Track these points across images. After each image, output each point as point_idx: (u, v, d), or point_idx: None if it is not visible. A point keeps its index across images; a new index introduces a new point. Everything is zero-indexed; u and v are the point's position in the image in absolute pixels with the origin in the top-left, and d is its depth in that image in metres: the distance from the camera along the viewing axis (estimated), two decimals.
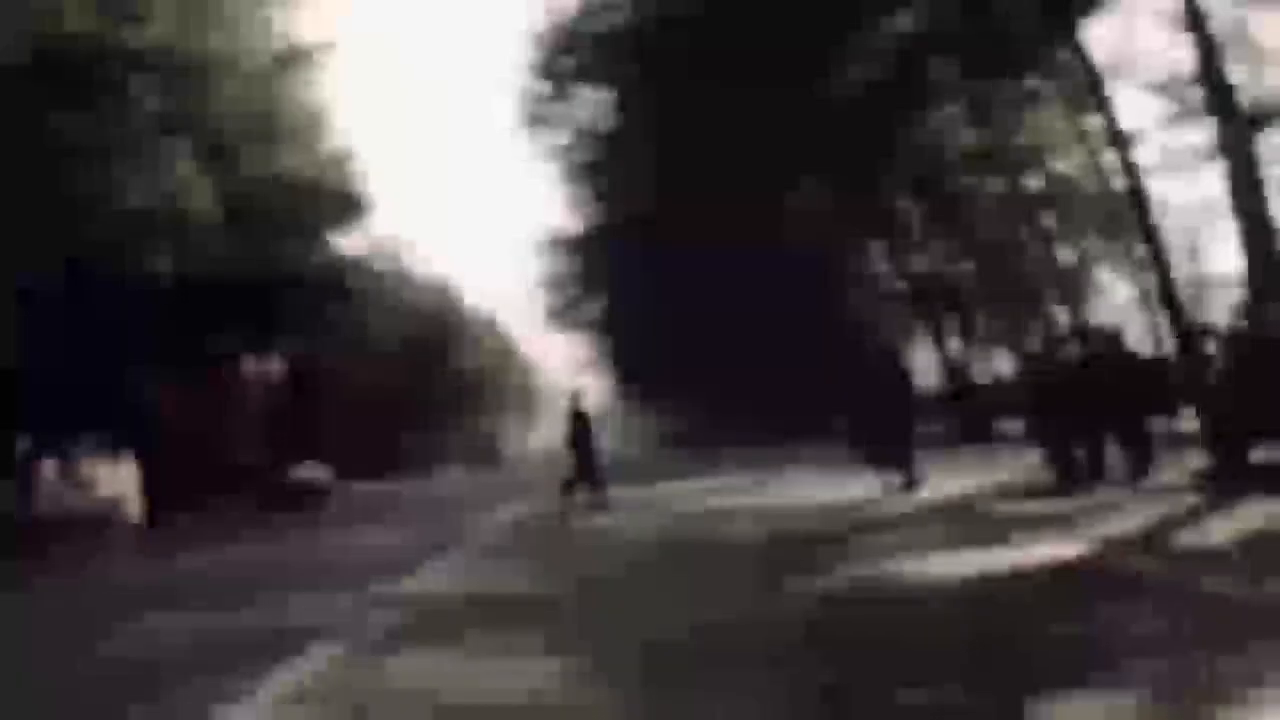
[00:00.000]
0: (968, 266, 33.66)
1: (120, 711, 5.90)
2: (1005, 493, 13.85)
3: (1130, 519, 9.71)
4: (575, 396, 20.32)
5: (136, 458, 35.35)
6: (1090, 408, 13.63)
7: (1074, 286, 32.64)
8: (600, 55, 37.45)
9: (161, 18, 24.72)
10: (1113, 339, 14.67)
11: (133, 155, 24.18)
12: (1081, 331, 20.82)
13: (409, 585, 10.22)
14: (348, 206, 39.98)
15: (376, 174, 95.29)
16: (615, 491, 20.66)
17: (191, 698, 5.93)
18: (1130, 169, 22.17)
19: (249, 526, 26.93)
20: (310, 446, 45.74)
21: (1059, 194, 32.36)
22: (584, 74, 38.23)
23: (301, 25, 39.13)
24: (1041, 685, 4.38)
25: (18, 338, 24.05)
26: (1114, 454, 13.83)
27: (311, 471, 39.87)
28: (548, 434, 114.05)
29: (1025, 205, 30.88)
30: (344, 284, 41.07)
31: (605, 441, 36.75)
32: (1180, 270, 27.10)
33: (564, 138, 44.66)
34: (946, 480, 16.26)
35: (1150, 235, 22.60)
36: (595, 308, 63.66)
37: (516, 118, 42.77)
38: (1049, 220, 33.70)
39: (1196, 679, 4.24)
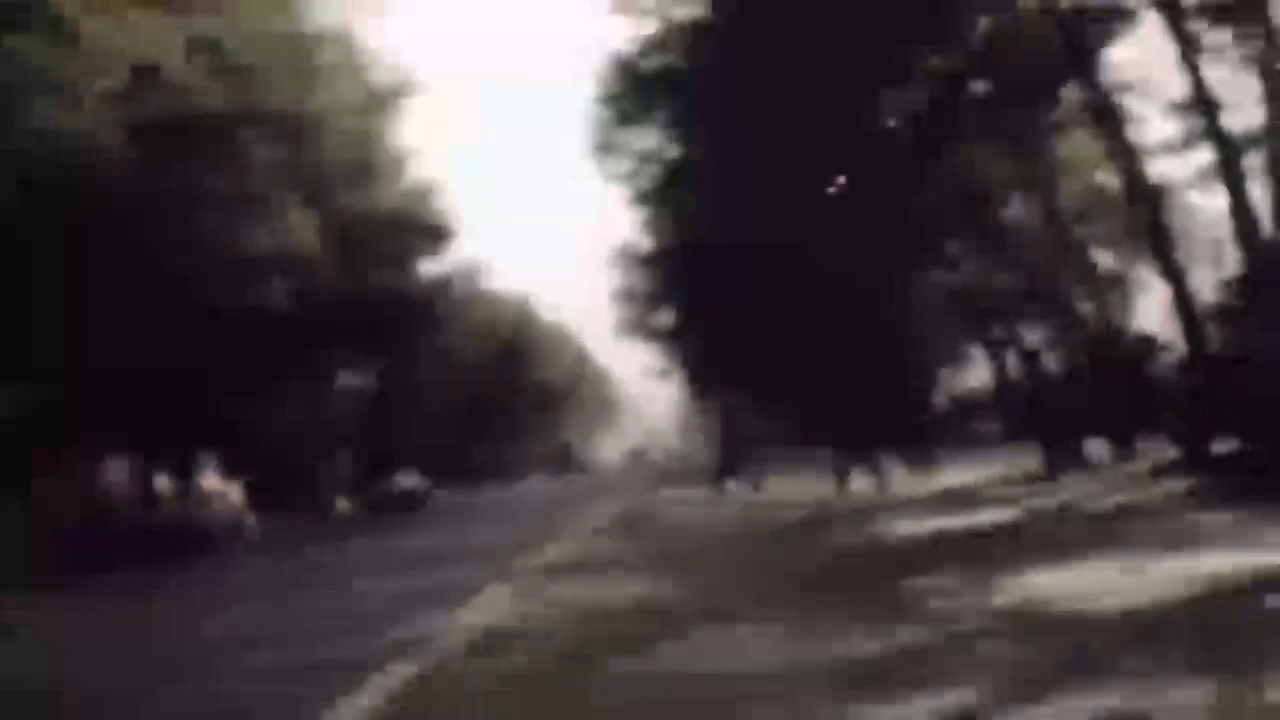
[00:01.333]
0: (1010, 281, 35.98)
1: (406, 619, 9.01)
2: (1006, 480, 16.56)
3: (1063, 496, 12.51)
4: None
5: (253, 470, 38.86)
6: (1072, 408, 16.30)
7: (1111, 293, 34.78)
8: (660, 91, 40.05)
9: (278, 82, 28.15)
10: (1112, 342, 17.27)
11: (254, 206, 27.57)
12: (1096, 338, 23.43)
13: (536, 558, 13.18)
14: (433, 235, 43.36)
15: (456, 190, 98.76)
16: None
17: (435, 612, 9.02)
18: (1136, 189, 24.17)
19: (368, 526, 30.25)
20: (403, 456, 49.32)
21: (1095, 206, 34.52)
22: (646, 108, 40.92)
23: (386, 56, 42.33)
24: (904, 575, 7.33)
25: (146, 368, 27.33)
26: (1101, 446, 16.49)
27: (410, 479, 43.64)
28: (624, 441, 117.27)
29: (1062, 220, 33.12)
30: (432, 306, 44.48)
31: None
32: (1206, 279, 29.01)
33: (630, 163, 47.26)
34: (967, 472, 19.02)
35: (1162, 250, 24.03)
36: (666, 319, 65.96)
37: (586, 144, 45.65)
38: (1090, 229, 35.86)
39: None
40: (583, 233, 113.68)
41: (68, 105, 20.51)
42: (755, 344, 52.55)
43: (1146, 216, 24.90)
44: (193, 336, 27.83)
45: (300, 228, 30.63)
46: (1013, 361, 39.76)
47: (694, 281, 52.86)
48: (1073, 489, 13.66)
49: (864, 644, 5.72)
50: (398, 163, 41.88)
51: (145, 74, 22.57)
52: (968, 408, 37.25)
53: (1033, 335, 37.08)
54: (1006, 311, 36.67)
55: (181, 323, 26.87)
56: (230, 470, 37.60)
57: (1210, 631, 5.11)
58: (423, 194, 43.45)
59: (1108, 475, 15.32)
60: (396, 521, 31.72)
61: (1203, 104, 22.85)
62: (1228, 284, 18.15)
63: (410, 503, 41.49)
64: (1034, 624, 5.79)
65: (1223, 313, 17.48)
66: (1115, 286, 37.16)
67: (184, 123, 25.00)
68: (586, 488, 44.84)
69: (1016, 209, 34.60)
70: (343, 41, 34.63)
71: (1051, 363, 38.51)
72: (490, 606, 8.99)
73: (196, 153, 26.05)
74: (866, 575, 8.57)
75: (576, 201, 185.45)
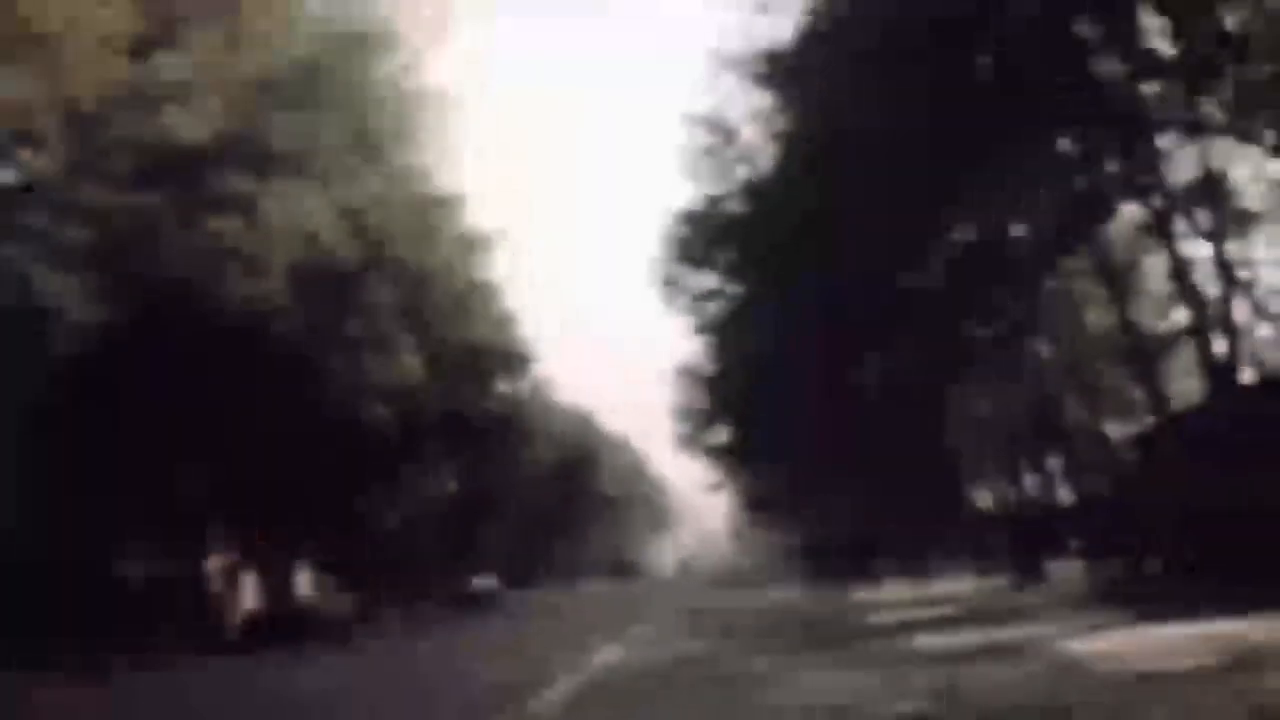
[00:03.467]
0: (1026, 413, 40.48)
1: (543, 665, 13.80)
2: (978, 590, 21.18)
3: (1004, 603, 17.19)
4: None
5: (355, 565, 43.78)
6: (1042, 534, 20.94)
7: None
8: (718, 240, 45.36)
9: (401, 238, 33.72)
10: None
11: (378, 345, 32.91)
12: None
13: (617, 648, 17.84)
14: (515, 361, 48.80)
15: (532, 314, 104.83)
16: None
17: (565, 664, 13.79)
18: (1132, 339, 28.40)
19: (449, 619, 34.94)
20: (477, 556, 54.27)
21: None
22: (707, 254, 46.21)
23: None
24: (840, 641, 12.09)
25: (289, 478, 32.38)
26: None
27: (485, 580, 48.64)
28: (678, 548, 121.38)
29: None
30: (510, 421, 49.71)
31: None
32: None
33: (692, 297, 52.31)
34: (961, 583, 23.62)
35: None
36: (721, 436, 70.35)
37: (652, 280, 50.93)
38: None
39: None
40: (641, 353, 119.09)
41: (252, 271, 25.92)
42: (802, 467, 57.02)
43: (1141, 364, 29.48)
44: (324, 453, 33.02)
45: (409, 360, 35.98)
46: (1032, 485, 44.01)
47: (748, 403, 57.62)
48: (1016, 598, 18.31)
49: (828, 659, 10.54)
50: (486, 297, 47.46)
51: (308, 241, 27.95)
52: (983, 524, 41.36)
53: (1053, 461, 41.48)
54: (1022, 441, 41.08)
55: (317, 441, 32.08)
56: (335, 566, 42.60)
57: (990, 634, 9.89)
58: (505, 323, 49.00)
59: (1055, 588, 19.91)
60: (473, 616, 36.28)
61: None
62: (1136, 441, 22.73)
63: (487, 602, 46.36)
64: (915, 654, 10.60)
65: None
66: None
67: (330, 277, 30.39)
68: (643, 592, 49.38)
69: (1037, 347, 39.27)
70: (450, 201, 40.47)
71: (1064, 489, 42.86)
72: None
73: (338, 300, 31.46)
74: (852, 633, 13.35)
75: (638, 325, 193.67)
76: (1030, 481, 44.49)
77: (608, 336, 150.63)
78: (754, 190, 42.69)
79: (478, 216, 46.29)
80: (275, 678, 16.93)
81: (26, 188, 22.12)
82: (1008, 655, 10.23)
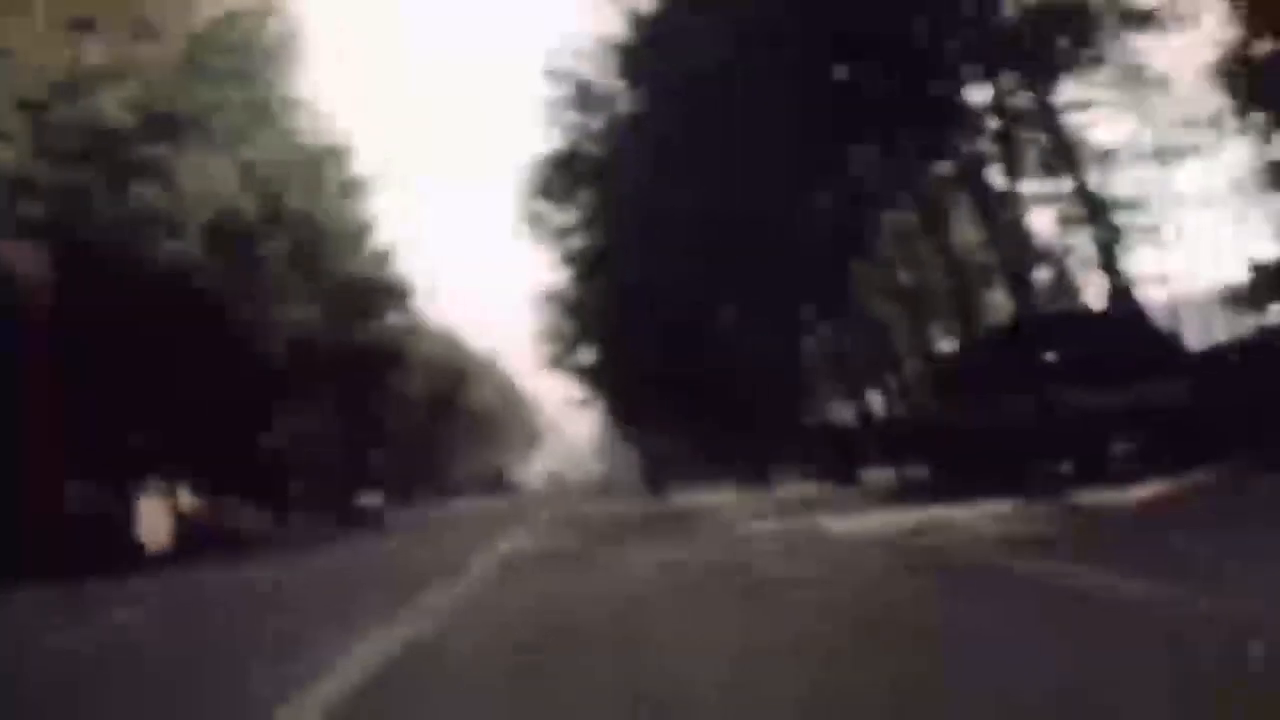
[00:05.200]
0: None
1: (439, 566, 18.18)
2: (814, 492, 26.23)
3: (820, 497, 22.24)
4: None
5: (259, 488, 47.40)
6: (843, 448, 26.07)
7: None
8: (583, 177, 49.48)
9: (293, 190, 37.33)
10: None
11: (277, 291, 36.66)
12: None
13: (500, 546, 22.44)
14: (395, 295, 52.67)
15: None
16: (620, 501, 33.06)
17: (451, 571, 18.21)
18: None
19: (345, 535, 39.04)
20: (364, 476, 58.36)
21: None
22: (569, 193, 50.33)
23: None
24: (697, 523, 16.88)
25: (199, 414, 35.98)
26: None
27: (371, 499, 52.86)
28: (548, 463, 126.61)
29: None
30: (391, 351, 53.65)
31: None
32: None
33: (555, 232, 56.23)
34: (792, 489, 28.73)
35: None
36: (587, 356, 74.46)
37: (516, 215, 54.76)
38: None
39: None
40: (503, 276, 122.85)
41: (172, 233, 29.42)
42: (669, 386, 62.10)
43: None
44: (232, 389, 36.67)
45: (302, 303, 39.72)
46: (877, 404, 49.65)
47: (612, 329, 62.20)
48: (834, 494, 23.41)
49: (688, 543, 15.23)
50: (367, 236, 51.09)
51: (217, 202, 31.50)
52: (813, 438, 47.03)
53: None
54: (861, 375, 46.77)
55: (227, 380, 35.74)
56: (235, 489, 46.17)
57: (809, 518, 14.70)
58: (385, 259, 52.77)
59: (862, 489, 25.09)
60: (362, 532, 40.44)
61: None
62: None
63: (374, 518, 50.56)
64: (721, 532, 15.37)
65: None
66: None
67: (235, 231, 33.94)
68: (519, 504, 54.25)
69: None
70: (337, 152, 43.97)
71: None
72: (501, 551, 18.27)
73: (241, 252, 35.00)
74: (687, 524, 18.01)
75: (498, 250, 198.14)
76: (876, 401, 50.26)
77: (471, 260, 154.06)
78: (613, 133, 46.89)
79: (358, 159, 49.55)
80: (227, 577, 20.98)
81: None
82: (783, 530, 15.22)
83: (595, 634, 7.29)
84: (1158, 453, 16.46)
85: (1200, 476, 14.24)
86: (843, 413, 53.44)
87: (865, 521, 15.04)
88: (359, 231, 48.42)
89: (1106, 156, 28.84)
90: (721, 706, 4.79)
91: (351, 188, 48.36)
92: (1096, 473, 15.83)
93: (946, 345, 42.08)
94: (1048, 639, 5.43)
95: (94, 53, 27.65)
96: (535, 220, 56.23)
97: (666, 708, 4.81)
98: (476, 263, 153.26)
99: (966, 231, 37.02)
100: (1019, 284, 28.83)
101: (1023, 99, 28.10)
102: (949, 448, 20.50)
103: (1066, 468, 17.55)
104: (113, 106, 27.13)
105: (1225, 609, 5.37)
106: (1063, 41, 27.23)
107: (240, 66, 35.17)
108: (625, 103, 46.65)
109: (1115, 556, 8.31)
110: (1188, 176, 28.46)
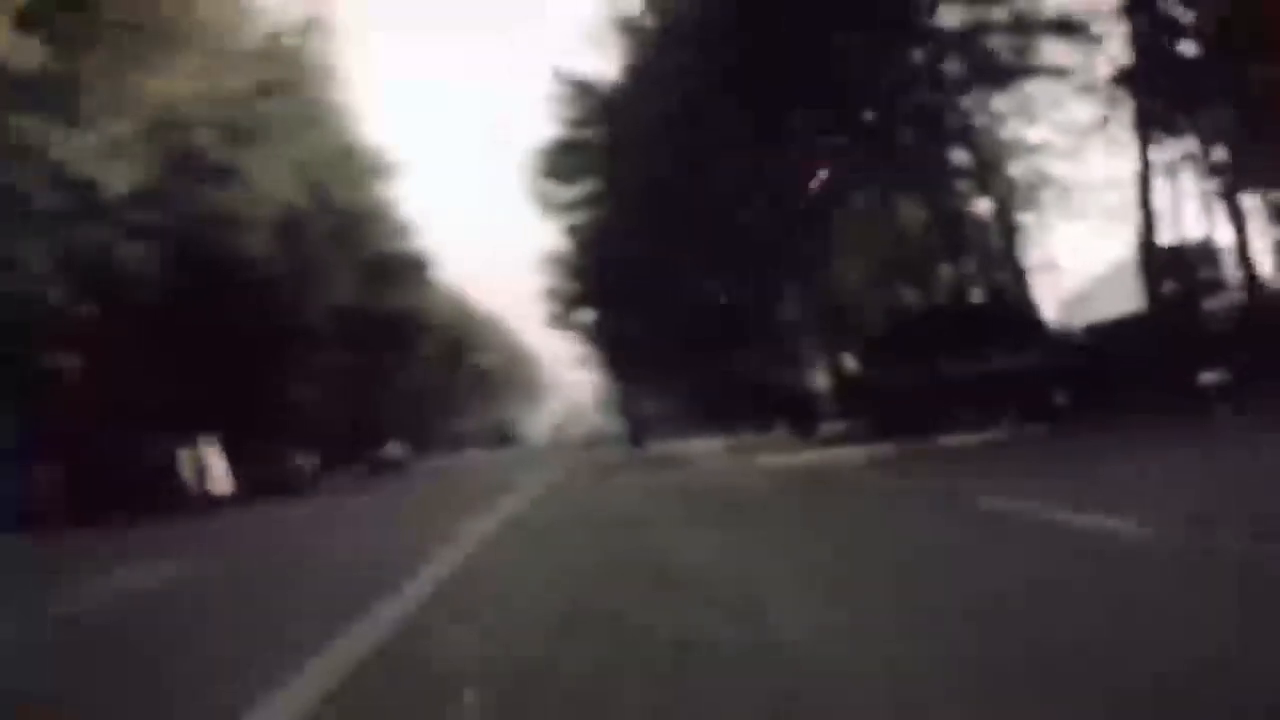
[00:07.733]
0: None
1: (467, 505, 24.28)
2: (777, 439, 32.33)
3: (770, 445, 28.38)
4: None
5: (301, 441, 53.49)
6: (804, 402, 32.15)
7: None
8: (587, 159, 54.69)
9: (335, 181, 43.30)
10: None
11: (320, 270, 42.79)
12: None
13: (528, 478, 28.50)
14: (416, 265, 58.75)
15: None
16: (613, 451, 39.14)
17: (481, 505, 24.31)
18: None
19: (384, 480, 45.18)
20: (383, 431, 64.60)
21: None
22: (572, 175, 55.69)
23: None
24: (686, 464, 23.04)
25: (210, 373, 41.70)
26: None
27: (396, 450, 59.07)
28: (551, 419, 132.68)
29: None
30: (413, 315, 59.74)
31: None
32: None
33: (560, 206, 61.59)
34: (760, 437, 34.86)
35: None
36: (588, 316, 79.67)
37: (523, 193, 60.25)
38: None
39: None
40: (508, 238, 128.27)
41: (245, 229, 35.39)
42: (658, 346, 68.06)
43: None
44: (274, 353, 42.65)
45: (342, 278, 45.77)
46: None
47: (608, 293, 67.87)
48: (787, 442, 29.52)
49: (656, 473, 21.29)
50: (392, 213, 57.12)
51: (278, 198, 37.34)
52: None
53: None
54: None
55: (270, 344, 41.70)
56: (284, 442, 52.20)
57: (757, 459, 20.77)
58: (407, 233, 58.96)
59: (817, 439, 31.13)
60: (392, 478, 46.44)
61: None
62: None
63: (401, 467, 56.92)
64: (686, 466, 21.45)
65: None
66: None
67: (288, 223, 39.74)
68: (528, 454, 60.53)
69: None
70: (369, 146, 50.19)
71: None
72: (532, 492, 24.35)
73: (294, 238, 40.86)
74: (659, 465, 24.07)
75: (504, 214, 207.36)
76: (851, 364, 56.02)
77: (477, 224, 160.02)
78: (611, 121, 52.10)
79: (387, 143, 55.46)
80: (290, 513, 26.74)
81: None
82: (725, 466, 21.41)
83: (605, 512, 13.49)
84: (1005, 409, 22.49)
85: (1034, 429, 20.21)
86: (819, 374, 59.05)
87: (791, 460, 21.12)
88: (385, 210, 54.43)
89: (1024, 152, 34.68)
90: (662, 523, 10.97)
91: (380, 172, 54.25)
92: (959, 423, 21.86)
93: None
94: (835, 502, 11.68)
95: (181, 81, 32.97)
96: (542, 197, 61.38)
97: (639, 523, 10.97)
98: (482, 225, 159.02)
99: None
100: (955, 263, 35.27)
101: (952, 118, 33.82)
102: (873, 404, 26.48)
103: (965, 417, 23.40)
104: (199, 125, 32.73)
105: (938, 486, 11.55)
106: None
107: (289, 77, 40.78)
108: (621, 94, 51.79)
109: (913, 471, 14.45)
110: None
